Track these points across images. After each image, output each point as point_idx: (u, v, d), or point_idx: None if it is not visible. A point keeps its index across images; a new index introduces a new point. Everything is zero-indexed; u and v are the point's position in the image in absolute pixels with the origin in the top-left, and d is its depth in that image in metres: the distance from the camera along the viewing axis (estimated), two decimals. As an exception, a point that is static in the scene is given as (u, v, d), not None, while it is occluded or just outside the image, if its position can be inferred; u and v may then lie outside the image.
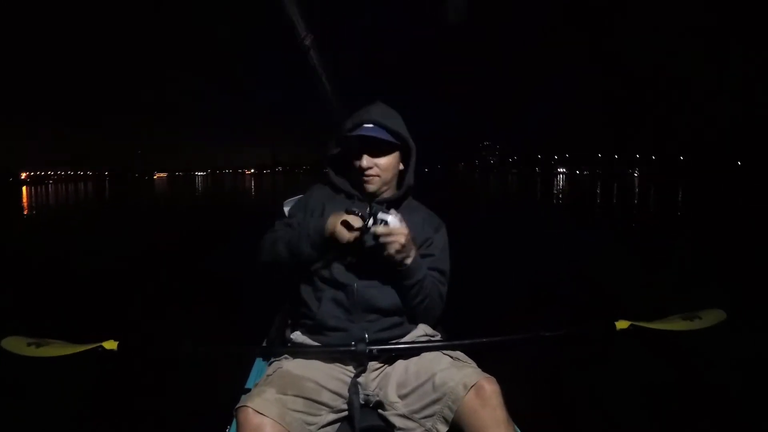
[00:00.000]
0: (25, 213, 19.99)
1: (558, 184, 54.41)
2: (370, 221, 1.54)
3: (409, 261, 1.62)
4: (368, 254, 1.63)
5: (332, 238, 1.59)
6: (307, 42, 1.27)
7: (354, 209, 1.58)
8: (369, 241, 1.59)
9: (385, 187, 1.79)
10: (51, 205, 25.81)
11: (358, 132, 1.71)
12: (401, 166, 1.82)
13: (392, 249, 1.55)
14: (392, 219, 1.54)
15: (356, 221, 1.55)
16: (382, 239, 1.54)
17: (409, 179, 1.82)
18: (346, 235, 1.56)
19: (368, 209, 1.58)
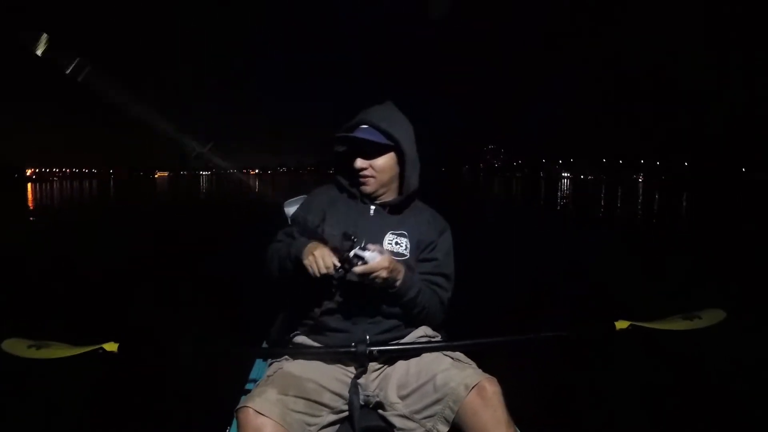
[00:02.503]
0: (30, 211, 19.94)
1: (562, 189, 54.11)
2: (348, 262, 1.52)
3: (398, 284, 1.60)
4: (351, 284, 1.61)
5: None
6: None
7: (336, 245, 1.55)
8: (353, 277, 1.56)
9: (383, 189, 1.77)
10: (54, 203, 25.78)
11: (351, 134, 1.72)
12: (398, 169, 1.78)
13: (375, 283, 1.54)
14: (370, 255, 1.51)
15: (329, 259, 1.52)
16: (361, 278, 1.52)
17: (412, 183, 1.78)
18: (315, 270, 1.52)
19: (347, 249, 1.53)
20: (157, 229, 12.99)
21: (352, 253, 1.50)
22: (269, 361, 1.73)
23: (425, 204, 1.91)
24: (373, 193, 1.77)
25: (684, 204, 27.57)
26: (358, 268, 1.50)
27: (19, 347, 1.66)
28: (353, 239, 1.53)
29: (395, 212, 1.79)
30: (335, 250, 1.54)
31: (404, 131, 1.75)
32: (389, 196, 1.80)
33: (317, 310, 1.67)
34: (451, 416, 1.43)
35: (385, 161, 1.73)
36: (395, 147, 1.73)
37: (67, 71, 1.28)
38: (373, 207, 1.78)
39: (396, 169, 1.77)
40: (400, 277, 1.60)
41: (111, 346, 1.59)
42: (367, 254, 1.51)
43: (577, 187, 60.84)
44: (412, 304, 1.67)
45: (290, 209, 2.13)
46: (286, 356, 1.64)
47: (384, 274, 1.52)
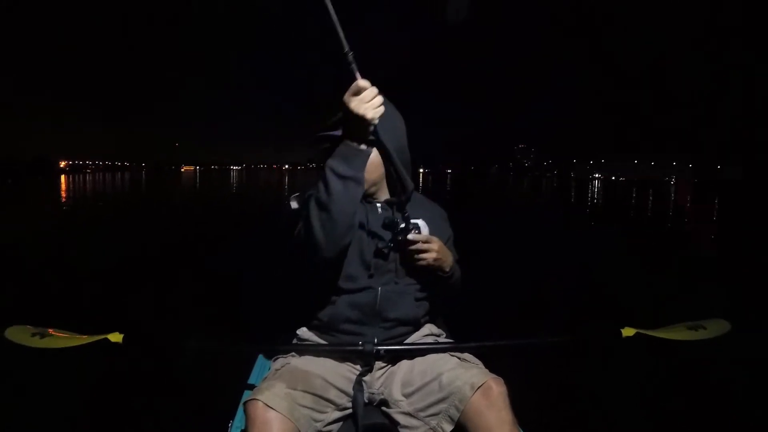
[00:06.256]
0: (49, 205, 20.27)
1: (593, 190, 53.52)
2: (402, 224, 1.57)
3: (447, 267, 1.67)
4: (399, 256, 1.64)
5: (357, 121, 1.37)
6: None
7: (391, 217, 1.62)
8: (401, 243, 1.59)
9: (373, 188, 1.68)
10: (82, 196, 26.28)
11: (331, 132, 1.60)
12: (386, 166, 1.67)
13: (423, 259, 1.60)
14: (423, 224, 1.57)
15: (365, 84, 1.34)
16: (416, 246, 1.58)
17: (407, 181, 1.67)
18: (370, 105, 1.35)
19: (402, 215, 1.60)
20: (170, 223, 13.17)
21: (405, 225, 1.56)
22: (274, 356, 1.70)
23: (422, 195, 1.86)
24: (364, 192, 1.59)
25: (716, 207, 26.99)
26: (413, 236, 1.56)
27: (22, 335, 1.65)
28: (396, 220, 1.60)
29: (400, 209, 1.69)
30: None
31: (389, 126, 1.58)
32: (382, 195, 1.72)
33: (330, 309, 1.63)
34: (456, 415, 1.42)
35: (370, 159, 1.56)
36: (377, 143, 1.58)
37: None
38: (379, 204, 1.70)
39: (383, 167, 1.67)
40: (451, 258, 1.70)
41: (116, 337, 1.59)
42: (420, 222, 1.58)
43: (607, 189, 59.93)
44: (453, 283, 1.76)
45: (297, 201, 1.98)
46: (292, 352, 1.64)
47: (436, 247, 1.60)
